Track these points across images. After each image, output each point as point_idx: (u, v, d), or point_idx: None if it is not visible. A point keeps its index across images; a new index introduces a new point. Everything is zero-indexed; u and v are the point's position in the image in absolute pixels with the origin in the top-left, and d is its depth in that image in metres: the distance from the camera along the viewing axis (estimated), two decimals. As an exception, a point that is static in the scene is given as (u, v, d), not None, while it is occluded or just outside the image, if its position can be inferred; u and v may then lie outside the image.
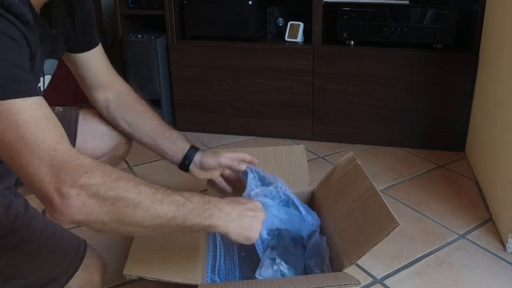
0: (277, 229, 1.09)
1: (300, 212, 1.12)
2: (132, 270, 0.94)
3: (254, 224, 0.89)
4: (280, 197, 1.12)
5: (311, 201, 1.29)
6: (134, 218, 0.72)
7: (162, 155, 1.18)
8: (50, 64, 0.94)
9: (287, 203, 1.14)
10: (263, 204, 1.02)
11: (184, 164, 1.17)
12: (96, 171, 0.70)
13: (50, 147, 0.67)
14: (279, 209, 1.10)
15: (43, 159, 0.67)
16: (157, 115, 1.17)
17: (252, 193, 1.08)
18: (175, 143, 1.16)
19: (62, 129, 0.72)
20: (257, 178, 1.15)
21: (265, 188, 1.12)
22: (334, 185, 1.20)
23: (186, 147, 1.17)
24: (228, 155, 1.19)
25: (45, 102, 0.72)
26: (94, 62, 1.07)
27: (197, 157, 1.17)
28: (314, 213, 1.16)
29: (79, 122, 1.18)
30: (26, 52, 0.73)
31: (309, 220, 1.12)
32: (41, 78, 0.92)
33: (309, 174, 1.30)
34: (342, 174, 1.19)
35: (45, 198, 0.68)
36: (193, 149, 1.17)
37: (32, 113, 0.67)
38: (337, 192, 1.17)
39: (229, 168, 1.20)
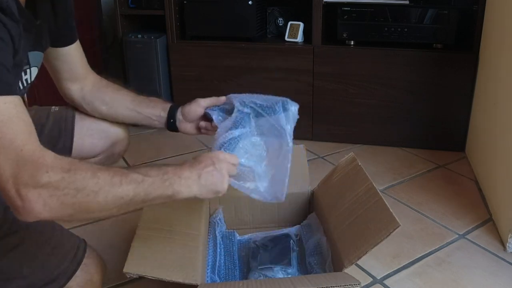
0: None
1: (274, 111, 1.09)
2: (132, 269, 0.94)
3: (217, 177, 0.88)
4: (249, 114, 1.07)
5: (311, 201, 1.29)
6: (98, 205, 0.74)
7: (149, 124, 1.18)
8: (35, 56, 0.94)
9: (258, 113, 1.09)
10: (239, 136, 1.00)
11: (171, 123, 1.17)
12: (56, 169, 0.71)
13: (18, 147, 0.69)
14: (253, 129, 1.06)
15: (10, 159, 0.68)
16: (132, 92, 1.18)
17: (222, 136, 1.01)
18: (156, 107, 1.16)
19: (33, 129, 0.73)
20: (219, 114, 1.10)
21: (229, 119, 1.05)
22: (334, 185, 1.20)
23: (167, 106, 1.16)
24: (206, 99, 1.16)
25: (22, 102, 0.72)
26: (73, 56, 1.10)
27: (179, 111, 1.16)
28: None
29: (75, 120, 1.19)
30: (10, 50, 0.73)
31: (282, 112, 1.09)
32: (28, 70, 0.92)
33: (309, 174, 1.30)
34: (342, 175, 1.19)
35: (8, 200, 0.69)
36: (174, 106, 1.16)
37: (5, 112, 0.68)
38: (337, 193, 1.17)
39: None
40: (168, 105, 1.17)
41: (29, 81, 0.94)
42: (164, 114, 1.16)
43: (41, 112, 1.18)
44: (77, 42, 1.11)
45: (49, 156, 0.72)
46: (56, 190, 0.70)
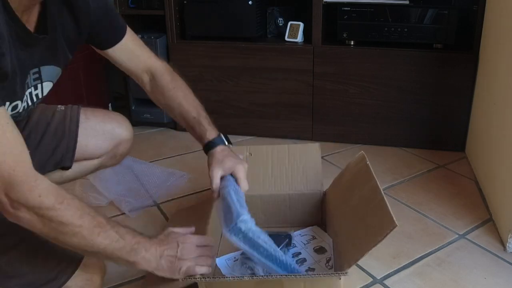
0: None
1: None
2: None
3: (173, 266, 0.92)
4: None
5: (323, 202, 1.29)
6: (70, 243, 0.82)
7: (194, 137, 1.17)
8: (49, 71, 0.93)
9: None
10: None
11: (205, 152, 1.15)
12: (49, 196, 0.77)
13: (10, 167, 0.73)
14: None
15: (2, 177, 0.73)
16: (188, 97, 1.18)
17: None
18: (197, 132, 1.14)
19: (23, 146, 0.77)
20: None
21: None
22: (343, 185, 1.21)
23: (207, 138, 1.12)
24: (224, 171, 1.09)
25: (7, 115, 0.75)
26: (122, 55, 1.11)
27: (212, 151, 1.12)
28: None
29: (80, 121, 1.18)
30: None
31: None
32: (39, 85, 0.92)
33: (322, 174, 1.30)
34: (352, 174, 1.19)
35: (1, 208, 0.76)
36: (213, 142, 1.11)
37: None
38: (345, 193, 1.17)
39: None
40: (210, 136, 1.12)
41: (40, 96, 0.94)
42: (200, 144, 1.14)
43: (47, 111, 1.18)
44: (126, 36, 1.11)
45: (42, 180, 0.77)
46: (42, 216, 0.77)
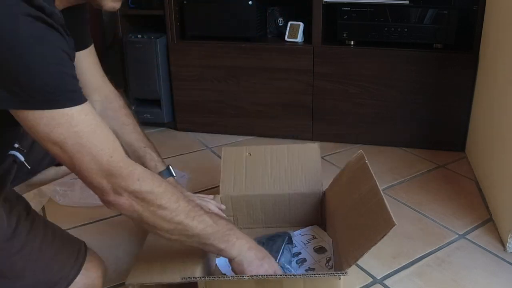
0: None
1: None
2: (133, 280, 0.96)
3: (256, 260, 0.94)
4: None
5: (323, 202, 1.29)
6: (167, 226, 0.84)
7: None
8: None
9: None
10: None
11: None
12: (147, 180, 0.81)
13: (107, 154, 0.77)
14: None
15: (102, 164, 0.77)
16: (138, 128, 1.18)
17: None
18: (149, 162, 1.16)
19: (114, 136, 0.81)
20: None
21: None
22: (343, 184, 1.21)
23: (158, 168, 1.17)
24: None
25: (93, 108, 0.79)
26: (83, 62, 1.07)
27: None
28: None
29: None
30: (73, 62, 0.78)
31: None
32: None
33: (321, 174, 1.30)
34: (351, 173, 1.19)
35: (101, 194, 0.80)
36: (162, 174, 1.17)
37: (88, 124, 0.75)
38: (344, 192, 1.17)
39: None
40: (161, 167, 1.18)
41: None
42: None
43: None
44: (91, 47, 1.08)
45: (137, 166, 0.82)
46: (142, 200, 0.81)
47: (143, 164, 1.12)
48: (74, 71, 0.76)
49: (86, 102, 0.76)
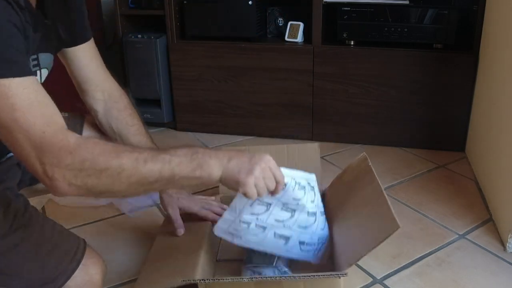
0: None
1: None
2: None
3: (245, 167, 0.82)
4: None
5: (323, 202, 1.29)
6: (122, 185, 0.75)
7: None
8: (45, 58, 0.93)
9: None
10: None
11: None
12: (79, 150, 0.73)
13: (40, 130, 0.71)
14: None
15: (33, 141, 0.71)
16: (143, 129, 1.14)
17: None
18: None
19: (54, 109, 0.76)
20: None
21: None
22: (344, 185, 1.20)
23: None
24: (187, 206, 1.16)
25: (39, 83, 0.75)
26: (81, 57, 1.05)
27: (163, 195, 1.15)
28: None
29: (84, 129, 1.18)
30: (24, 41, 0.75)
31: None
32: (38, 72, 0.91)
33: (322, 174, 1.29)
34: (353, 175, 1.19)
35: (42, 180, 0.73)
36: None
37: (26, 97, 0.71)
38: (346, 193, 1.16)
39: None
40: None
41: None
42: None
43: None
44: (91, 41, 1.05)
45: (72, 137, 0.74)
46: (79, 172, 0.72)
47: None
48: (21, 46, 0.73)
49: (29, 77, 0.73)
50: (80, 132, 1.16)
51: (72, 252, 0.94)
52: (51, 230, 0.95)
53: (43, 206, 1.49)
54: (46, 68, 0.94)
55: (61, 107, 1.22)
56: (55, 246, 0.93)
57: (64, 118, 1.18)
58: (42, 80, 0.94)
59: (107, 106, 1.11)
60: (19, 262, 0.89)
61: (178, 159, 0.78)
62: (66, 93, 1.15)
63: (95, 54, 1.08)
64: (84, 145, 0.74)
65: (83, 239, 0.98)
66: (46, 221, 0.96)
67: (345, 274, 0.88)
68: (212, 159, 0.80)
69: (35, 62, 0.89)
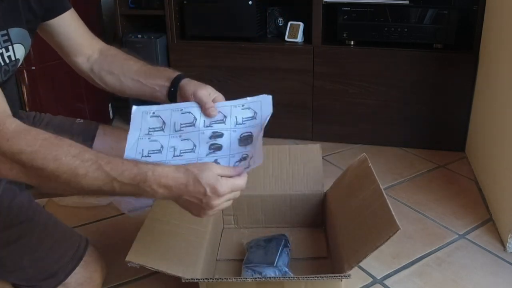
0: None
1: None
2: (134, 258, 0.93)
3: (195, 210, 0.79)
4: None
5: (324, 203, 1.29)
6: (57, 186, 0.73)
7: (153, 96, 1.03)
8: (17, 33, 0.91)
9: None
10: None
11: (171, 92, 1.02)
12: (17, 138, 0.70)
13: None
14: None
15: None
16: (141, 61, 1.07)
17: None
18: (162, 76, 1.03)
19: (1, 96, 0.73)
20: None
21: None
22: (344, 186, 1.20)
23: (173, 76, 1.02)
24: (206, 93, 1.01)
25: None
26: (68, 26, 1.03)
27: (182, 83, 1.01)
28: None
29: (97, 136, 1.18)
30: None
31: None
32: (10, 47, 0.90)
33: (323, 175, 1.29)
34: (353, 176, 1.19)
35: None
36: (181, 76, 1.02)
37: None
38: (346, 194, 1.17)
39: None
40: (173, 74, 1.02)
41: (13, 58, 0.91)
42: (167, 84, 1.01)
43: (66, 121, 1.19)
44: (71, 10, 1.03)
45: (12, 124, 0.72)
46: (19, 163, 0.70)
47: (156, 79, 1.02)
48: None
49: None
50: (92, 139, 1.16)
51: (74, 250, 0.94)
52: (53, 227, 0.95)
53: (43, 206, 1.49)
54: (20, 43, 0.92)
55: (64, 108, 1.23)
56: (57, 242, 0.93)
57: (79, 124, 1.19)
58: (17, 55, 0.92)
59: (101, 55, 1.08)
60: (20, 256, 0.89)
61: (119, 184, 0.73)
62: (66, 95, 1.15)
63: (79, 21, 1.06)
64: (24, 135, 0.71)
65: (86, 238, 0.99)
66: (49, 217, 0.96)
67: (348, 276, 0.88)
68: (159, 191, 0.75)
69: (5, 38, 0.87)
